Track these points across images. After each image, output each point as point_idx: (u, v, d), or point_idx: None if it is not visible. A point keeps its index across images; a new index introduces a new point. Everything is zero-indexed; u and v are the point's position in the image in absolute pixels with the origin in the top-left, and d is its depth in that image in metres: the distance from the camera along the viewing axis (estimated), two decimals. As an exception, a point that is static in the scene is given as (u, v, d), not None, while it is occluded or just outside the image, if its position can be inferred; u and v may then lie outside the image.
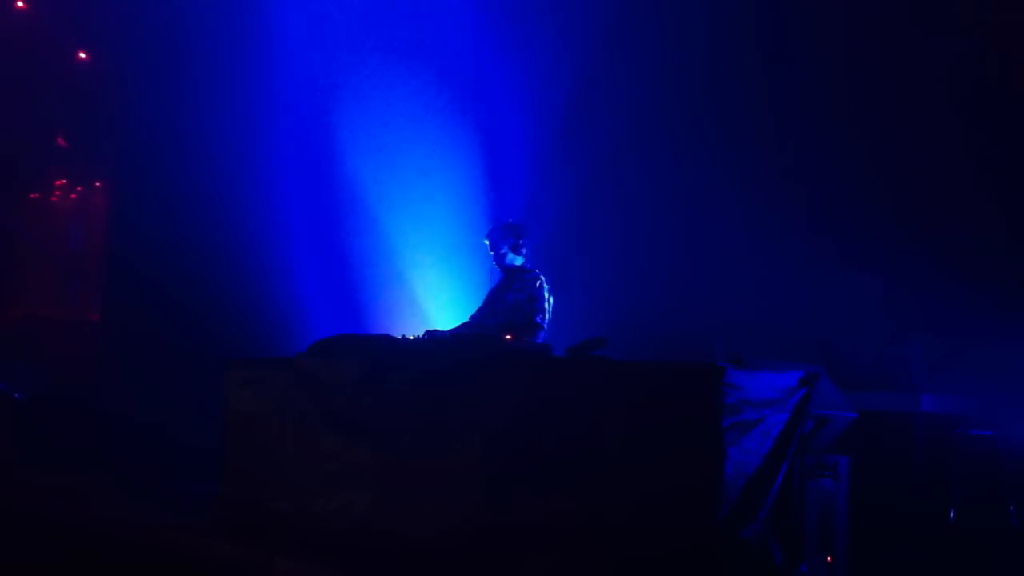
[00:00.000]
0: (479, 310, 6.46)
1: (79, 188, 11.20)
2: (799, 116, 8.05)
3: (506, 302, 6.25)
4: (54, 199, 11.34)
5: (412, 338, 5.56)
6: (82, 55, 9.87)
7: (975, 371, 6.41)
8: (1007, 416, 6.14)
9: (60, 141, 10.41)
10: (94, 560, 5.47)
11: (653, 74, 8.55)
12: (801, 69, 8.07)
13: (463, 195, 8.60)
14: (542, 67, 8.73)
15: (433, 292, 8.60)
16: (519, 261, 6.41)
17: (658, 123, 8.52)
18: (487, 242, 6.47)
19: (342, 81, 8.95)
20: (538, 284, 6.21)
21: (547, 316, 6.26)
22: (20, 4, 9.55)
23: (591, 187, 8.71)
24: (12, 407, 9.02)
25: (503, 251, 6.40)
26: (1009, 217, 7.14)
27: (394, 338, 5.59)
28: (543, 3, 8.79)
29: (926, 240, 7.43)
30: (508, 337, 5.76)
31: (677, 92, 8.47)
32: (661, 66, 8.49)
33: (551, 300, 6.32)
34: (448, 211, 8.57)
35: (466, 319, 6.50)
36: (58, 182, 11.17)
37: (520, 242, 6.42)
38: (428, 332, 5.64)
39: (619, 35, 8.59)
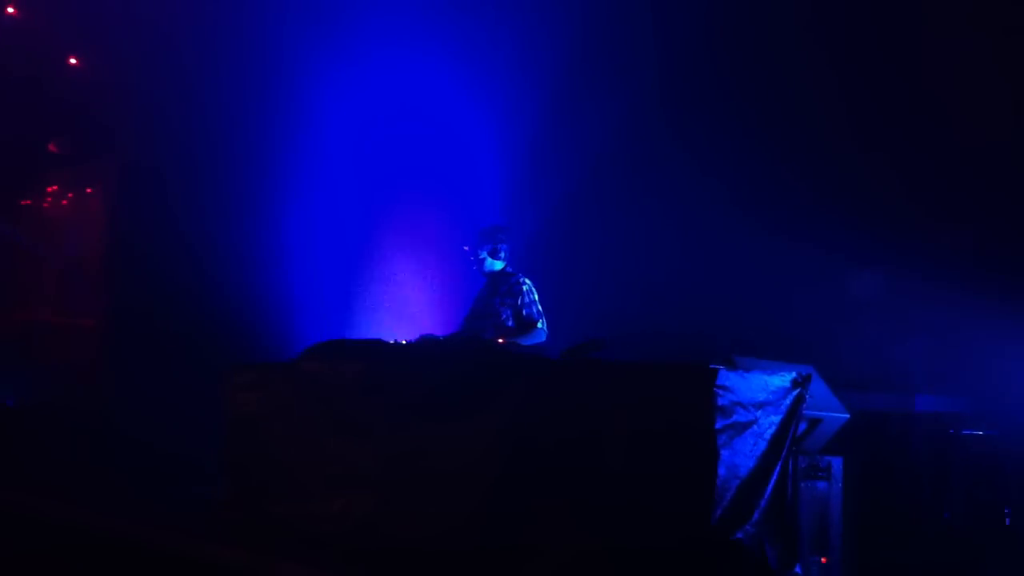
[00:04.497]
0: (467, 317, 6.46)
1: (78, 194, 11.22)
2: (798, 116, 8.06)
3: (493, 307, 6.27)
4: (53, 205, 11.36)
5: (404, 343, 5.58)
6: (74, 61, 9.88)
7: (972, 371, 6.41)
8: (1004, 416, 6.14)
9: (58, 147, 10.42)
10: (97, 563, 5.48)
11: (650, 71, 8.56)
12: (800, 69, 8.07)
13: (456, 200, 8.61)
14: (540, 62, 8.73)
15: (423, 297, 8.62)
16: (499, 265, 6.42)
17: (656, 123, 8.52)
18: (467, 248, 6.49)
19: (337, 90, 8.98)
20: (526, 288, 6.27)
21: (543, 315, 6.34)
22: (11, 11, 9.55)
23: (587, 188, 8.72)
24: (14, 411, 9.04)
25: (482, 256, 6.41)
26: (1008, 217, 7.15)
27: (387, 343, 5.60)
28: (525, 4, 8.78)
29: (925, 240, 7.43)
30: (500, 340, 5.78)
31: (674, 90, 8.48)
32: (658, 63, 8.50)
33: (537, 297, 6.40)
34: (440, 217, 8.58)
35: (455, 325, 6.51)
36: (57, 188, 11.19)
37: (499, 246, 6.42)
38: (423, 336, 5.65)
39: (615, 25, 8.60)
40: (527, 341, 5.97)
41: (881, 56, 7.75)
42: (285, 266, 9.11)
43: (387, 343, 5.60)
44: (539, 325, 6.20)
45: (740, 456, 4.40)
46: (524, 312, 6.19)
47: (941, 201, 7.36)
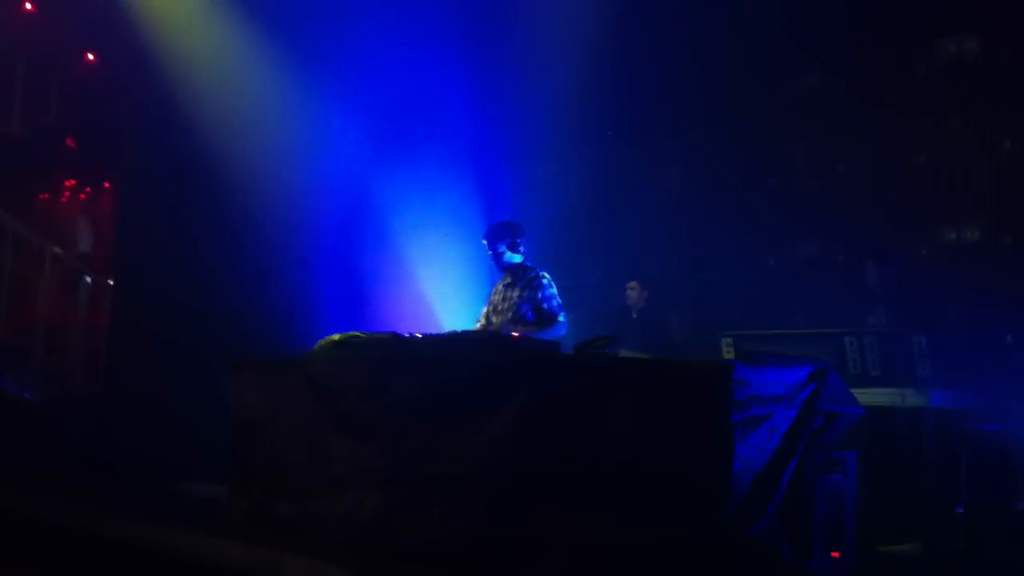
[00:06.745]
0: (485, 311, 6.49)
1: (88, 191, 11.23)
2: (802, 116, 8.07)
3: (512, 300, 6.28)
4: (63, 202, 11.37)
5: (419, 336, 5.55)
6: (90, 57, 9.90)
7: (984, 366, 6.40)
8: (1017, 411, 6.13)
9: (69, 143, 10.44)
10: (102, 562, 5.48)
11: (657, 76, 8.58)
12: (802, 69, 8.10)
13: (467, 194, 8.62)
14: (550, 62, 8.73)
15: (439, 291, 8.62)
16: (517, 259, 6.43)
17: (663, 123, 8.55)
18: (485, 242, 6.50)
19: (352, 88, 9.00)
20: (545, 282, 6.29)
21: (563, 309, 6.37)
22: (28, 6, 9.58)
23: (597, 187, 8.74)
24: (22, 409, 9.03)
25: (500, 250, 6.43)
26: (1016, 213, 7.15)
27: (401, 336, 5.58)
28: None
29: (934, 235, 7.44)
30: (516, 334, 5.77)
31: (681, 93, 8.50)
32: (664, 68, 8.52)
33: (556, 291, 6.42)
34: (454, 210, 8.58)
35: (473, 320, 6.52)
36: (67, 183, 11.21)
37: (517, 240, 6.43)
38: (450, 332, 5.63)
39: (622, 29, 8.60)
40: (546, 335, 5.96)
41: (883, 55, 7.76)
42: (297, 263, 9.12)
43: (399, 337, 5.57)
44: (560, 319, 6.21)
45: (755, 450, 4.36)
46: (544, 306, 6.21)
47: (950, 194, 7.37)
